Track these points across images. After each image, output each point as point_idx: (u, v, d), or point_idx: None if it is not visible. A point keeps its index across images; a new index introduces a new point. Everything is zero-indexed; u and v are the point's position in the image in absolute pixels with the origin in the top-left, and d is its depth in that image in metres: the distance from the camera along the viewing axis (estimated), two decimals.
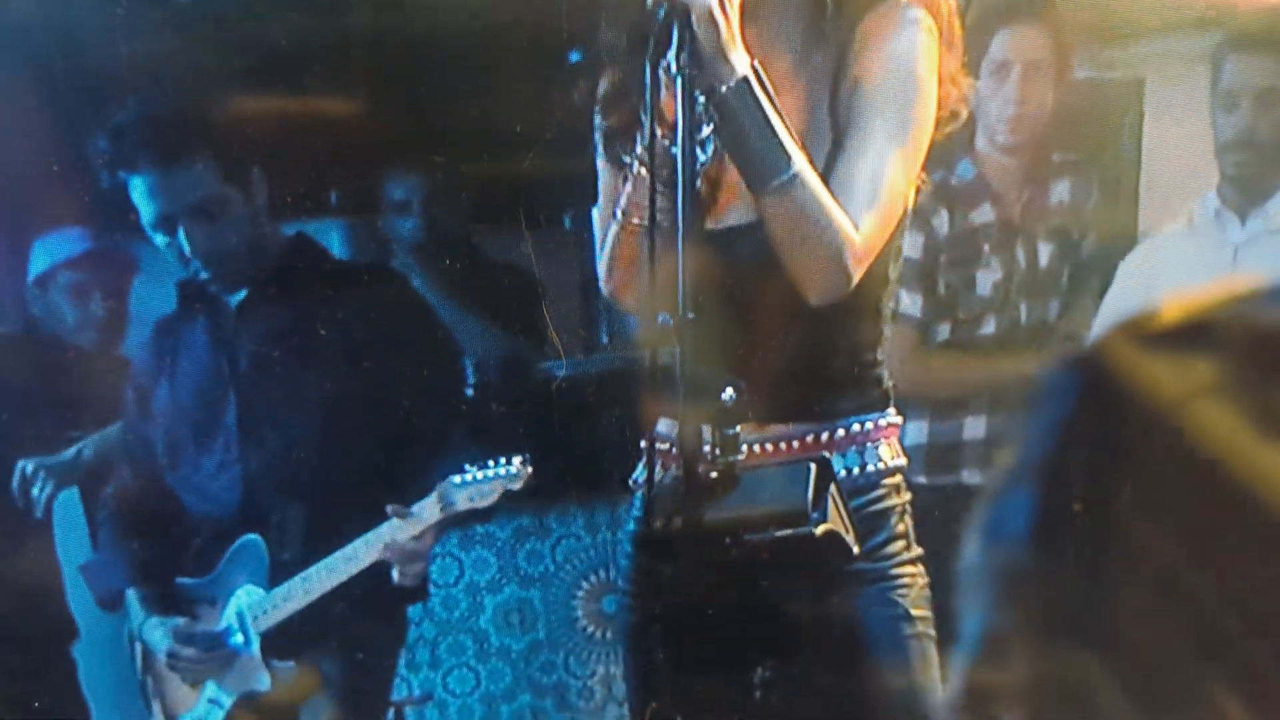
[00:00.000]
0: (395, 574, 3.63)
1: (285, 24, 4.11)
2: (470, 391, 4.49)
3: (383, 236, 4.80)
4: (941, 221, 4.00)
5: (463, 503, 3.56)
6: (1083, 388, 1.00)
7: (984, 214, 4.07)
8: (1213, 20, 4.35)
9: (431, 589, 4.38)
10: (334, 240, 4.76)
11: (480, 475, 3.54)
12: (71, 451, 4.22)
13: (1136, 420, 0.96)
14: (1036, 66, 3.97)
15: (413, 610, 4.15)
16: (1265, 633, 0.90)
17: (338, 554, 3.59)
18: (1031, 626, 0.97)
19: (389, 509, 3.56)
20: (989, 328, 4.12)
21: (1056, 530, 0.97)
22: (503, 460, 3.56)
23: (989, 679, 0.99)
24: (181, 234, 3.61)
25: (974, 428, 4.11)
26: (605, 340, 4.90)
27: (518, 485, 3.54)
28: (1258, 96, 3.89)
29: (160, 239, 3.67)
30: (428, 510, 3.57)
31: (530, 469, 3.56)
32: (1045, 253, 4.13)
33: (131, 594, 3.84)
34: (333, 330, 3.73)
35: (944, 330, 4.11)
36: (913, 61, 2.59)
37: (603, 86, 2.75)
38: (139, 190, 3.63)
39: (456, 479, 3.55)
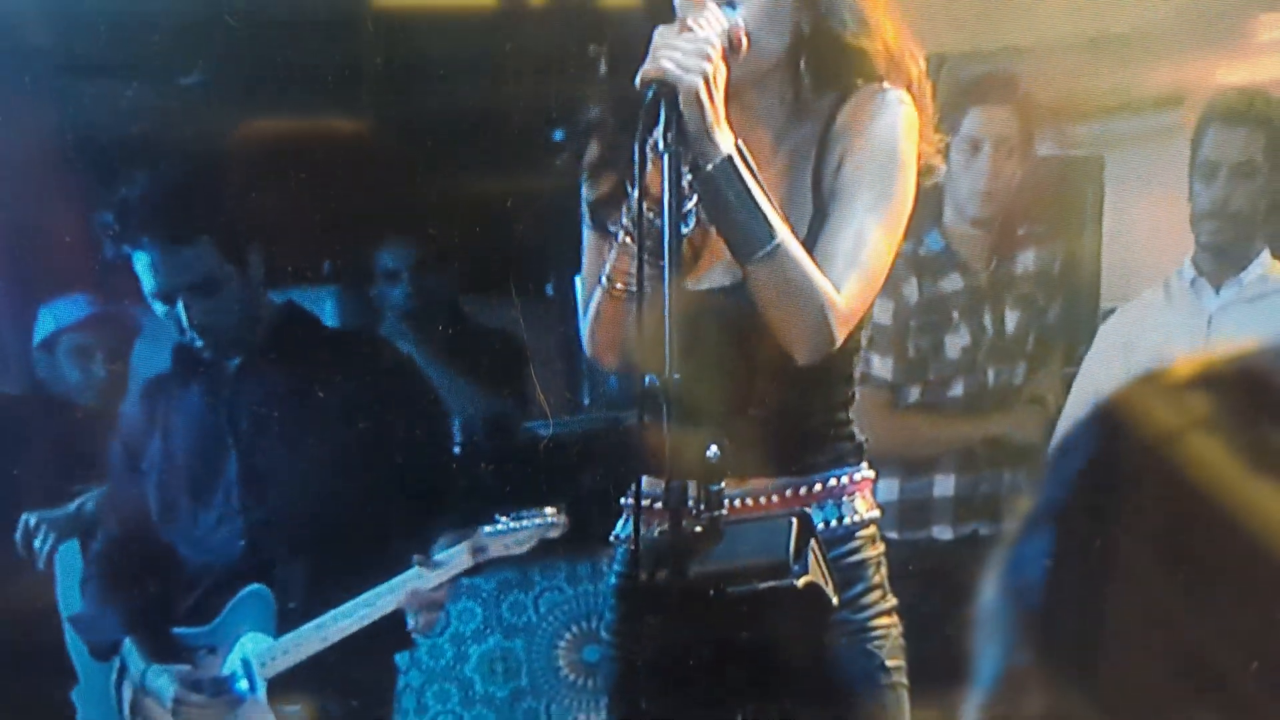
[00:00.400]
0: (411, 621, 3.72)
1: (284, 105, 4.18)
2: (458, 450, 4.55)
3: (373, 304, 4.86)
4: (911, 289, 4.07)
5: (496, 550, 3.65)
6: (1101, 438, 1.05)
7: (953, 282, 4.15)
8: (1169, 101, 4.46)
9: (418, 638, 4.42)
10: (326, 307, 4.82)
11: (514, 525, 3.61)
12: (73, 505, 4.26)
13: (1144, 462, 1.01)
14: (1006, 143, 4.07)
15: (399, 658, 4.19)
16: (1255, 669, 0.94)
17: (357, 600, 3.65)
18: (1048, 665, 1.01)
19: (415, 559, 3.64)
20: (957, 390, 4.19)
21: (1074, 573, 1.01)
22: (538, 510, 3.64)
23: (1004, 717, 1.03)
24: (180, 306, 3.68)
25: (943, 485, 4.18)
26: (587, 401, 4.95)
27: (556, 534, 3.61)
28: (1234, 168, 3.99)
29: (160, 308, 3.75)
30: (458, 558, 3.64)
31: (565, 517, 3.63)
32: (1011, 319, 4.21)
33: (129, 643, 3.87)
34: (326, 392, 3.79)
35: (914, 392, 4.19)
36: (895, 141, 2.67)
37: (589, 157, 2.81)
38: (142, 264, 3.70)
39: (488, 528, 3.64)
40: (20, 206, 4.27)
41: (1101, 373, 4.13)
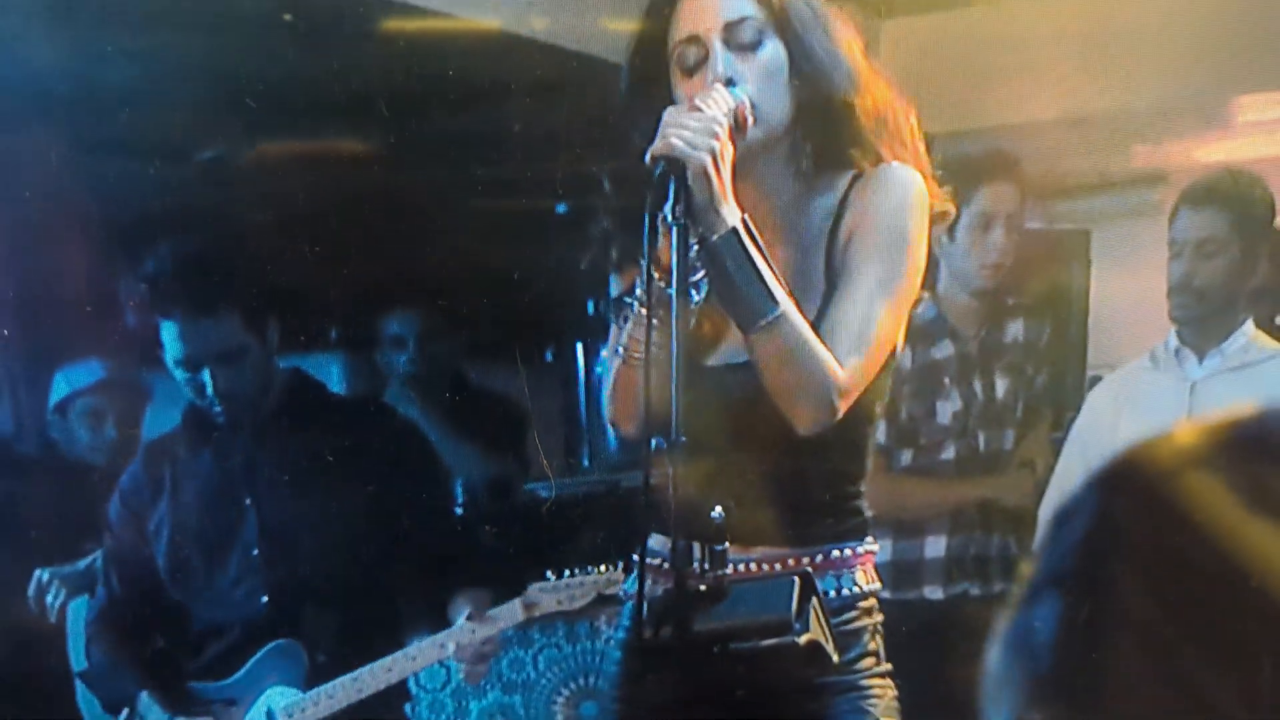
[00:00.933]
0: (461, 672, 3.85)
1: (299, 179, 4.23)
2: (460, 510, 4.60)
3: (379, 369, 4.92)
4: (905, 356, 4.11)
5: (550, 605, 3.73)
6: (1101, 503, 1.08)
7: (944, 349, 4.22)
8: (1150, 179, 4.55)
9: (420, 693, 4.45)
10: (333, 373, 4.89)
11: (568, 581, 3.68)
12: (84, 562, 4.31)
13: (1144, 524, 1.03)
14: (1013, 218, 4.17)
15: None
16: (1257, 709, 0.97)
17: (399, 654, 3.70)
18: None
19: (466, 613, 3.72)
20: (948, 454, 4.26)
21: (1081, 636, 1.02)
22: (595, 567, 3.70)
23: None
24: (206, 375, 3.73)
25: (935, 546, 4.23)
26: (587, 464, 5.00)
27: (615, 589, 3.65)
28: (1196, 247, 4.06)
29: (183, 375, 3.79)
30: (510, 613, 3.72)
31: (622, 573, 3.69)
32: (1001, 386, 4.28)
33: (147, 697, 3.89)
34: (334, 454, 3.84)
35: (906, 456, 4.25)
36: (903, 218, 2.70)
37: (614, 253, 2.85)
38: (169, 334, 3.75)
39: (538, 585, 3.72)
40: (39, 275, 4.32)
41: (1090, 438, 4.20)
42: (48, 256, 4.31)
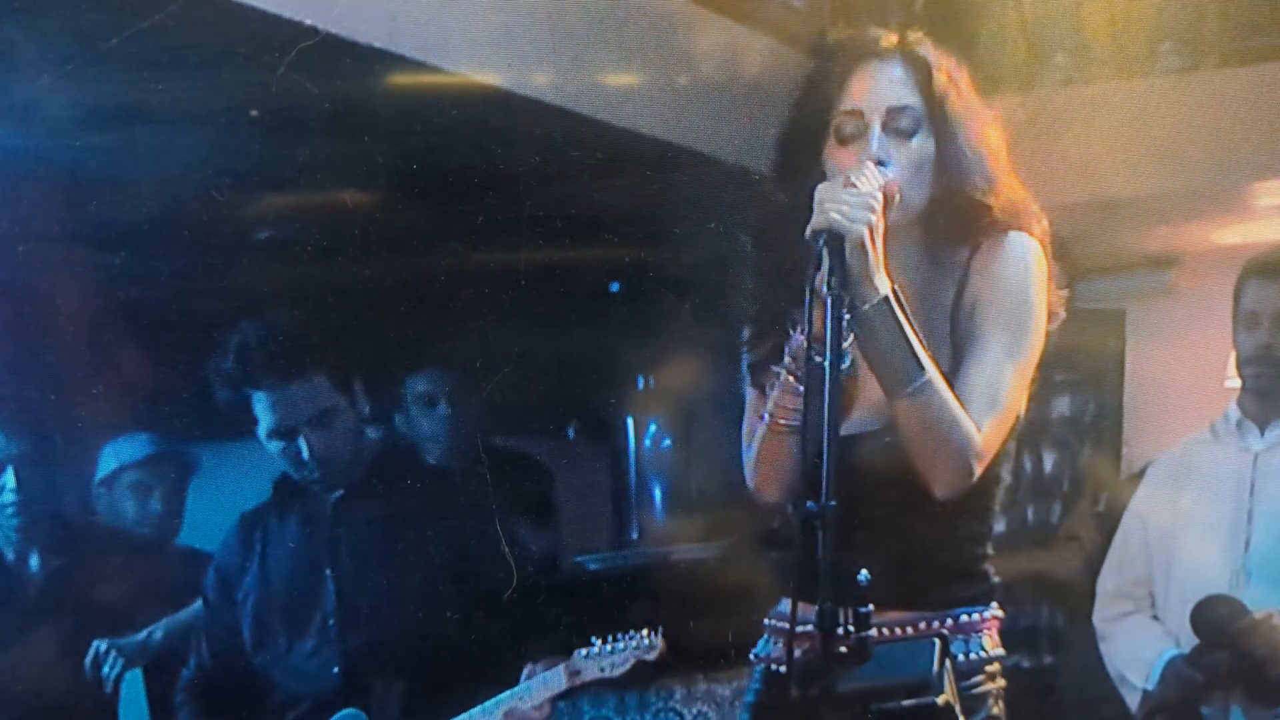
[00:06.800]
0: None
1: (361, 255, 4.20)
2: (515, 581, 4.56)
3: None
4: None
5: (592, 672, 3.66)
6: None
7: None
8: (1173, 260, 4.62)
9: None
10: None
11: (610, 648, 3.63)
12: (143, 634, 4.24)
13: None
14: (1064, 298, 4.21)
15: None
16: None
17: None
18: None
19: (525, 675, 3.65)
20: (998, 527, 4.25)
21: None
22: (635, 634, 3.64)
23: None
24: (301, 442, 3.70)
25: None
26: (635, 535, 4.97)
27: (653, 656, 3.62)
28: (1275, 317, 4.09)
29: (277, 446, 3.75)
30: (555, 680, 3.66)
31: (663, 641, 3.64)
32: (1049, 460, 4.30)
33: None
34: (419, 522, 3.81)
35: None
36: (1026, 283, 2.74)
37: (750, 330, 2.87)
38: (261, 405, 3.72)
39: (584, 651, 3.65)
40: (88, 351, 4.27)
41: (1151, 514, 4.20)
42: (97, 332, 4.25)
